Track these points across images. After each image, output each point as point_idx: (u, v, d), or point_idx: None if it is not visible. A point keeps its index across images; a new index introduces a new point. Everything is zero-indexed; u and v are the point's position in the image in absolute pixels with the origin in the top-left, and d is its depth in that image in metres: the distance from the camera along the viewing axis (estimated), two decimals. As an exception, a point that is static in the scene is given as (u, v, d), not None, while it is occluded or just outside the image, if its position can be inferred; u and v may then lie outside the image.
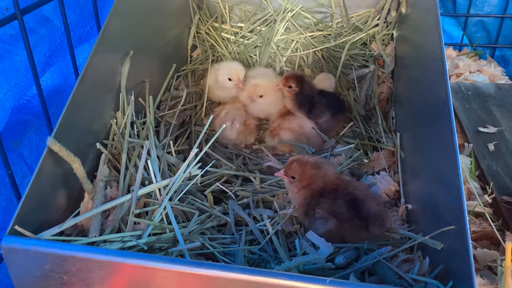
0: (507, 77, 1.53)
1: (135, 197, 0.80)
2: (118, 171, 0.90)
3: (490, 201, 1.01)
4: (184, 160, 0.87)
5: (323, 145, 1.19)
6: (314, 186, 0.87)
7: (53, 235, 0.72)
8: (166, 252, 0.75)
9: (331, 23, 1.52)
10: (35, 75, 0.88)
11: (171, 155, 1.02)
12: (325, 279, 0.59)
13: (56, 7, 1.03)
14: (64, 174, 0.81)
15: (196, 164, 0.86)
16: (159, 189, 0.84)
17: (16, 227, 0.67)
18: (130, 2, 1.05)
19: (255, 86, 1.23)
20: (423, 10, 1.15)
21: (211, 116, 0.94)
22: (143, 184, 0.85)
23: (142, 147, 0.92)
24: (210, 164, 0.97)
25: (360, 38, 1.46)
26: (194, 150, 0.85)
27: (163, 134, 1.13)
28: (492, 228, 0.93)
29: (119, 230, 0.79)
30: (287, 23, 1.51)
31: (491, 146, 1.15)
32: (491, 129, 1.21)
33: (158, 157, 0.93)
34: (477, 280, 0.82)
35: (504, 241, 0.90)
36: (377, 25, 1.47)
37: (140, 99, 1.07)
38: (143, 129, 1.01)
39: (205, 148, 0.89)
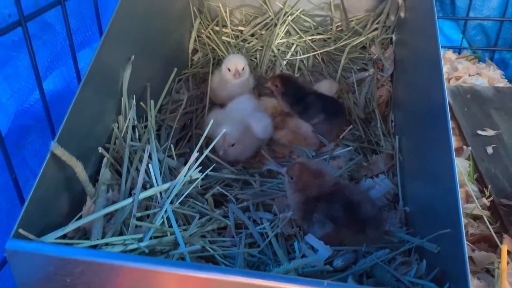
0: (506, 80, 1.53)
1: (137, 201, 0.81)
2: (120, 175, 0.91)
3: (488, 204, 1.01)
4: (185, 164, 0.88)
5: (321, 148, 1.19)
6: (308, 193, 0.88)
7: (56, 238, 0.73)
8: (167, 255, 0.76)
9: (331, 27, 1.53)
10: (39, 81, 0.89)
11: (172, 158, 1.04)
12: (323, 281, 0.60)
13: (58, 13, 1.04)
14: (66, 178, 0.82)
15: (197, 167, 0.87)
16: (160, 193, 0.85)
17: (20, 230, 0.68)
18: (131, 7, 1.07)
19: (223, 136, 1.10)
20: (421, 14, 1.16)
21: (211, 121, 0.95)
22: (144, 188, 0.86)
23: (143, 150, 0.93)
24: (211, 168, 0.99)
25: (359, 42, 1.47)
26: (195, 154, 0.86)
27: (164, 137, 1.14)
28: (490, 231, 0.94)
29: (121, 233, 0.80)
30: (287, 27, 1.52)
31: (489, 149, 1.16)
32: (490, 132, 1.22)
33: (159, 160, 0.95)
34: (474, 283, 0.83)
35: (502, 244, 0.90)
36: (376, 29, 1.48)
37: (141, 103, 1.08)
38: (144, 132, 1.02)
39: (206, 152, 0.90)
